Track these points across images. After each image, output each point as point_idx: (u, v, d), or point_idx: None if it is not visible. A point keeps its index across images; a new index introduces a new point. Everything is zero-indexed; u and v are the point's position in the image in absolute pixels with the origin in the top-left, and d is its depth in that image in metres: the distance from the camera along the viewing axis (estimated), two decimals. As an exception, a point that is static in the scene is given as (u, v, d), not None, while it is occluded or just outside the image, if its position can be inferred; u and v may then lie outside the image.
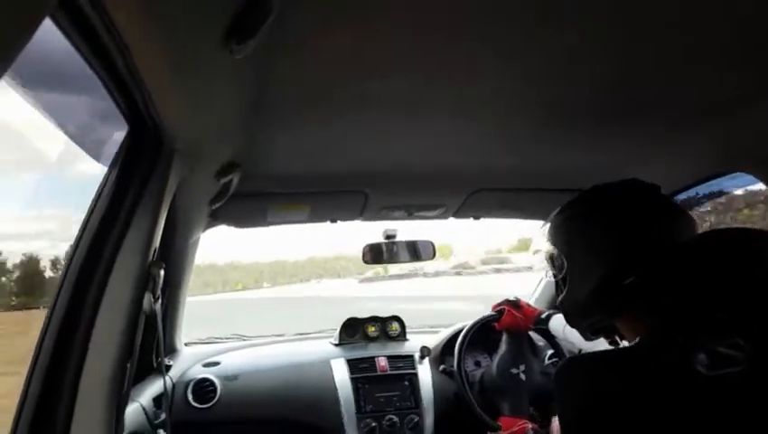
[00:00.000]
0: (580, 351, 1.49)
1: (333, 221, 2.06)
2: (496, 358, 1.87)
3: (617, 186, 0.93)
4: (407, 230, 2.17)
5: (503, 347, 1.92)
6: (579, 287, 0.92)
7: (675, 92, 1.16)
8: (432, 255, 2.24)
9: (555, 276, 0.99)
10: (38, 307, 0.93)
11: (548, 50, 0.95)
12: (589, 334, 0.99)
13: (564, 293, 0.96)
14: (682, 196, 1.63)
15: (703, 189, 1.59)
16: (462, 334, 1.89)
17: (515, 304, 1.82)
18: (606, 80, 1.10)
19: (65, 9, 0.57)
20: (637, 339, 0.86)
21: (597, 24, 0.87)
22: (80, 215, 0.88)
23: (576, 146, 1.51)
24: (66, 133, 0.83)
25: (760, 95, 1.14)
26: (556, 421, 0.90)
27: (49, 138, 0.83)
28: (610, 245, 0.87)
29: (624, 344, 0.90)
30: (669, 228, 0.87)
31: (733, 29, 0.90)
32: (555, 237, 0.98)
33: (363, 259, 2.18)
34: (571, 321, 0.99)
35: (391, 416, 1.88)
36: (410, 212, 2.02)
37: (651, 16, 0.86)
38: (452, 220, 2.16)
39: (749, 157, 1.32)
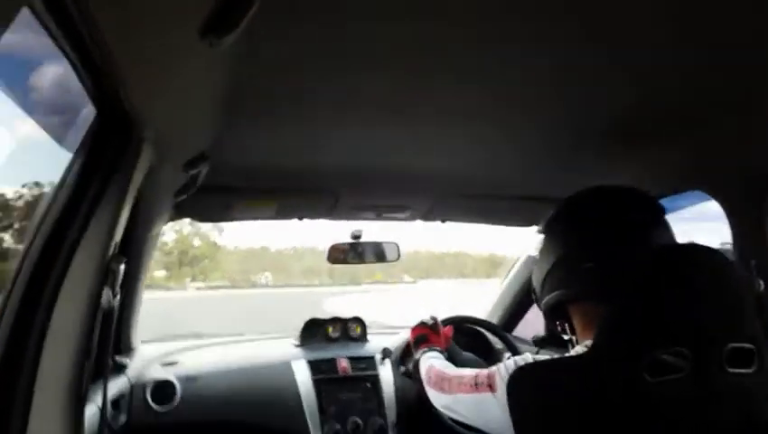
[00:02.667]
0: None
1: (300, 218, 2.04)
2: (455, 360, 1.89)
3: (610, 189, 1.00)
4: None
5: (461, 349, 1.95)
6: (545, 262, 0.98)
7: (638, 109, 1.19)
8: (397, 256, 2.25)
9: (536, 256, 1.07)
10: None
11: (522, 63, 0.98)
12: (548, 316, 1.03)
13: (535, 270, 1.04)
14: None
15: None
16: None
17: (433, 327, 1.63)
18: (574, 96, 1.13)
19: None
20: (585, 343, 0.90)
21: (563, 38, 0.90)
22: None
23: (543, 156, 1.54)
24: (31, 115, 0.78)
25: (716, 114, 1.18)
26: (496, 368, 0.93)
27: (11, 121, 0.78)
28: (578, 231, 0.95)
29: (578, 350, 0.92)
30: (642, 233, 0.91)
31: (694, 51, 0.93)
32: (543, 226, 1.05)
33: (328, 258, 2.17)
34: (534, 296, 1.05)
35: (355, 418, 1.87)
36: (379, 213, 2.02)
37: (620, 37, 0.89)
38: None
39: (707, 177, 1.37)
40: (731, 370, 0.76)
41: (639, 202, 0.96)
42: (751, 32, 0.86)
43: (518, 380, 0.88)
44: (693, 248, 0.85)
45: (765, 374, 0.78)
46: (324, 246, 2.15)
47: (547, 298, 0.98)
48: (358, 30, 0.86)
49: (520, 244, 2.30)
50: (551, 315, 1.01)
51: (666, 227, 0.94)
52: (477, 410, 0.97)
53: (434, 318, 1.65)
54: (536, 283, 1.03)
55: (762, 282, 0.95)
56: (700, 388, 0.76)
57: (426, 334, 1.56)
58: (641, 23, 0.85)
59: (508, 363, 0.92)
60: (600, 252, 0.90)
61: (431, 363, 1.30)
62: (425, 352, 1.45)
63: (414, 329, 1.62)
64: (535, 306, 1.08)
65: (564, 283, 0.94)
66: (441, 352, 1.47)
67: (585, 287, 0.91)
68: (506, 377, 0.90)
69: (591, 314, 0.92)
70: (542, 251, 1.01)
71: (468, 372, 1.03)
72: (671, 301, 0.78)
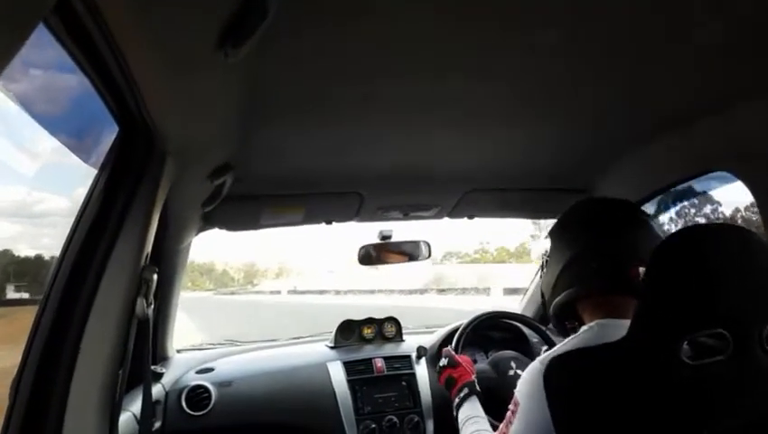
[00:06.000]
0: None
1: (329, 222, 2.04)
2: (491, 356, 1.87)
3: (598, 199, 1.11)
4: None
5: (499, 346, 1.95)
6: (555, 265, 1.04)
7: (661, 92, 1.17)
8: (428, 255, 2.24)
9: (542, 262, 1.14)
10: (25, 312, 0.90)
11: (538, 52, 0.97)
12: (556, 319, 1.07)
13: (544, 275, 1.11)
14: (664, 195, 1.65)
15: (685, 187, 1.62)
16: (457, 332, 1.88)
17: (452, 364, 1.58)
18: (596, 85, 1.12)
19: (59, 14, 0.56)
20: (592, 323, 0.95)
21: (584, 27, 0.89)
22: (71, 218, 0.86)
23: (567, 145, 1.52)
24: (54, 135, 0.81)
25: (742, 95, 1.15)
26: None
27: (37, 140, 0.81)
28: (582, 236, 1.01)
29: (586, 327, 0.96)
30: (633, 234, 0.99)
31: (714, 31, 0.91)
32: (550, 234, 1.11)
33: (359, 259, 2.16)
34: (545, 301, 1.10)
35: (391, 416, 1.87)
36: (406, 212, 2.01)
37: (635, 20, 0.87)
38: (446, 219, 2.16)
39: (734, 158, 1.33)
40: None
41: (626, 207, 1.06)
42: None
43: (554, 369, 0.87)
44: (724, 228, 0.82)
45: None
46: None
47: (559, 298, 1.03)
48: (376, 30, 0.86)
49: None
50: (561, 314, 1.05)
51: (650, 227, 1.01)
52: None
53: (447, 354, 1.61)
54: (546, 286, 1.09)
55: None
56: (742, 370, 0.75)
57: (450, 375, 1.53)
58: (664, 8, 0.83)
59: (524, 376, 0.93)
60: (603, 250, 0.97)
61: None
62: (462, 400, 1.43)
63: (439, 377, 1.59)
64: None
65: (575, 282, 1.00)
66: (472, 386, 1.45)
67: (594, 282, 0.97)
68: (525, 385, 0.91)
69: (598, 302, 0.97)
70: (551, 256, 1.07)
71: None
72: (704, 282, 0.76)
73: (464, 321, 1.91)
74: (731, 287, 0.76)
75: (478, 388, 1.44)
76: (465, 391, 1.43)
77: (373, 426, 1.85)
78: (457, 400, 1.43)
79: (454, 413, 1.41)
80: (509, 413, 0.94)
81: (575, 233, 1.03)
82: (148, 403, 1.03)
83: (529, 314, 2.27)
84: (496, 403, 1.56)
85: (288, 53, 0.91)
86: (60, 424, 0.77)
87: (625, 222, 1.00)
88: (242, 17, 0.69)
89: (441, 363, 1.59)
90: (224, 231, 1.93)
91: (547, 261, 1.09)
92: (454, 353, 1.61)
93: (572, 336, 0.96)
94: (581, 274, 0.99)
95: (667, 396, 0.76)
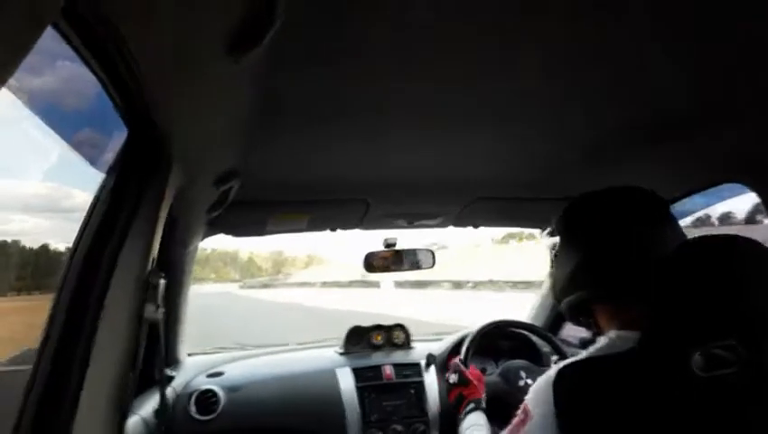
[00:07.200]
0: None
1: (333, 229, 2.05)
2: (501, 366, 1.86)
3: (618, 189, 1.00)
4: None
5: (509, 355, 1.93)
6: (566, 263, 0.99)
7: (671, 102, 1.16)
8: (432, 263, 2.24)
9: (553, 256, 1.09)
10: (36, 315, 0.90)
11: (544, 61, 0.97)
12: (570, 316, 1.03)
13: (553, 272, 1.07)
14: (678, 205, 1.63)
15: (698, 199, 1.61)
16: (466, 341, 1.86)
17: (462, 382, 1.58)
18: (601, 90, 1.11)
19: (68, 18, 0.57)
20: (610, 334, 0.91)
21: (592, 33, 0.89)
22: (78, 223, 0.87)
23: (573, 155, 1.52)
24: (63, 137, 0.82)
25: (756, 106, 1.14)
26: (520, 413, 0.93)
27: (46, 143, 0.82)
28: (595, 233, 0.95)
29: (606, 339, 0.92)
30: (655, 232, 0.92)
31: (728, 39, 0.91)
32: (558, 224, 1.06)
33: (364, 266, 2.17)
34: (556, 297, 1.06)
35: (396, 426, 1.86)
36: (410, 220, 2.01)
37: (648, 27, 0.87)
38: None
39: (745, 168, 1.32)
40: None
41: (649, 200, 0.97)
42: None
43: (564, 377, 0.87)
44: (734, 238, 0.82)
45: None
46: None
47: (570, 298, 0.99)
48: (382, 38, 0.87)
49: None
50: (573, 312, 1.02)
51: (675, 222, 0.95)
52: None
53: (456, 368, 1.62)
54: (556, 283, 1.05)
55: None
56: (753, 381, 0.74)
57: (461, 393, 1.54)
58: (679, 13, 0.83)
59: (536, 385, 0.92)
60: (620, 254, 0.91)
61: None
62: (467, 413, 1.45)
63: (449, 394, 1.61)
64: None
65: (588, 284, 0.96)
66: (479, 402, 1.47)
67: (608, 288, 0.93)
68: (538, 394, 0.89)
69: (613, 312, 0.94)
70: (561, 252, 1.02)
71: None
72: (716, 293, 0.76)
73: (474, 329, 1.90)
74: (743, 299, 0.76)
75: (484, 404, 1.46)
76: (471, 405, 1.45)
77: None
78: (463, 414, 1.46)
79: (459, 427, 1.43)
80: (516, 420, 0.93)
81: (588, 228, 0.97)
82: (164, 405, 1.03)
83: (539, 323, 2.25)
84: (508, 415, 1.56)
85: (296, 60, 0.92)
86: (70, 427, 0.77)
87: (644, 218, 0.93)
88: (251, 23, 0.71)
89: (451, 380, 1.60)
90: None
91: (556, 256, 1.04)
92: (464, 368, 1.60)
93: (590, 348, 0.93)
94: (595, 277, 0.94)
95: (677, 408, 0.76)
